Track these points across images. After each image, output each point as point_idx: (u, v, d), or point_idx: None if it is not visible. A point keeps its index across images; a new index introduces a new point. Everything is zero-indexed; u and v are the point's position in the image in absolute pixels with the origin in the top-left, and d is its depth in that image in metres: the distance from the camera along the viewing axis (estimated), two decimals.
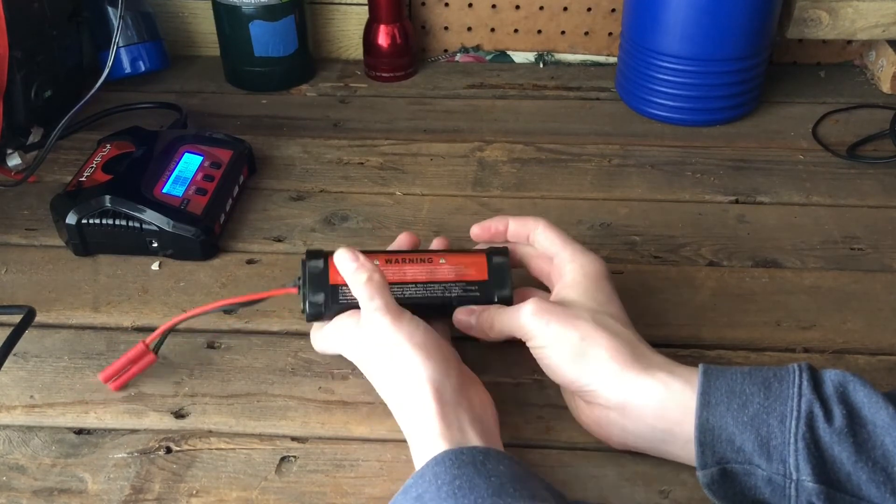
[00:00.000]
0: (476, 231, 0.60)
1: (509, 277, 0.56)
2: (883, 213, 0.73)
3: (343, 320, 0.54)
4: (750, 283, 0.65)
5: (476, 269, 0.57)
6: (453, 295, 0.56)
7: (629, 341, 0.50)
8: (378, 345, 0.51)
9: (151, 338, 0.56)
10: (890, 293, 0.64)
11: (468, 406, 0.49)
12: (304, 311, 0.55)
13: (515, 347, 0.56)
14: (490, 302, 0.56)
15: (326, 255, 0.56)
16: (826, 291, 0.65)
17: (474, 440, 0.47)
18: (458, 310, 0.56)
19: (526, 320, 0.51)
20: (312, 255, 0.56)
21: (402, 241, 0.61)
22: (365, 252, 0.54)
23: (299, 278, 0.56)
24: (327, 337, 0.55)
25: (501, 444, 0.49)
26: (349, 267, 0.53)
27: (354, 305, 0.53)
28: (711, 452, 0.46)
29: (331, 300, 0.55)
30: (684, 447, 0.47)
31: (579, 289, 0.53)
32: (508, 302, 0.55)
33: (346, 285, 0.54)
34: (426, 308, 0.55)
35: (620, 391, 0.48)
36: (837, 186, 0.77)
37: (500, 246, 0.58)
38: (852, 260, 0.68)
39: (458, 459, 0.44)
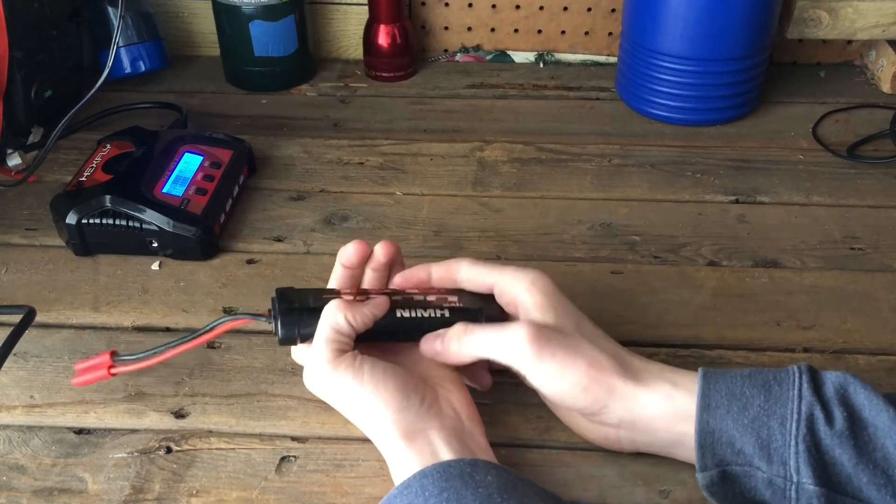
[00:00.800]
0: (398, 281, 0.54)
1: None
2: (883, 213, 0.73)
3: (307, 369, 0.51)
4: (750, 283, 0.65)
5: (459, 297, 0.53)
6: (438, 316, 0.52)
7: (625, 357, 0.49)
8: (329, 390, 0.49)
9: (121, 368, 0.52)
10: (890, 293, 0.64)
11: (439, 425, 0.48)
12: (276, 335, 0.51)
13: None
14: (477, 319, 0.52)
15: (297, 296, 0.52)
16: (826, 291, 0.65)
17: (451, 456, 0.46)
18: (423, 338, 0.52)
19: (521, 349, 0.47)
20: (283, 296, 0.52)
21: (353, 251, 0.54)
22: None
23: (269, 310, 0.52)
24: (308, 382, 0.52)
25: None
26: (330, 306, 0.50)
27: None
28: (711, 455, 0.46)
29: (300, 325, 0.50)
30: (691, 452, 0.47)
31: (548, 310, 0.49)
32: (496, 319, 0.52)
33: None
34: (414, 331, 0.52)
35: (628, 411, 0.48)
36: (837, 186, 0.77)
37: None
38: (852, 260, 0.68)
39: (446, 472, 0.43)
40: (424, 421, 0.48)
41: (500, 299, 0.52)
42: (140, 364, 0.52)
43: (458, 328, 0.50)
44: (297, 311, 0.50)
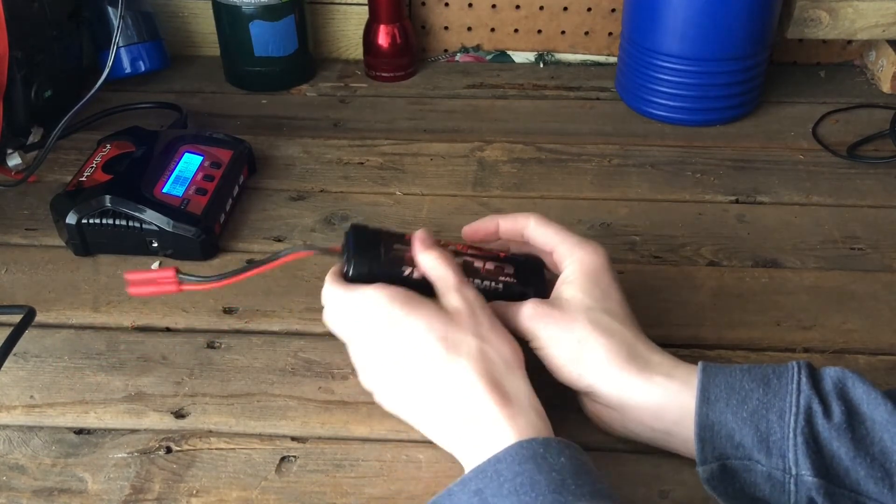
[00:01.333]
0: (467, 232, 0.58)
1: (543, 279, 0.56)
2: (883, 213, 0.73)
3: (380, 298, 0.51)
4: (750, 283, 0.65)
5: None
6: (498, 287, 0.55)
7: (626, 341, 0.50)
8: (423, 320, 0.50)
9: (188, 284, 0.53)
10: (890, 293, 0.64)
11: (523, 375, 0.49)
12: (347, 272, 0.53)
13: None
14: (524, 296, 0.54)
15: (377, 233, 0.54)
16: (826, 291, 0.65)
17: (536, 420, 0.46)
18: None
19: (525, 322, 0.51)
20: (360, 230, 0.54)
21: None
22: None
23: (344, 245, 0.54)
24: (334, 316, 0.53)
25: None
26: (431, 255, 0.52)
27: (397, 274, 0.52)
28: (711, 448, 0.46)
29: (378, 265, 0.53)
30: (684, 444, 0.47)
31: (577, 285, 0.52)
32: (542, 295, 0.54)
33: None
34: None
35: (618, 392, 0.49)
36: (837, 186, 0.77)
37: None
38: (852, 260, 0.68)
39: (519, 455, 0.43)
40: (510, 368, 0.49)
41: (555, 261, 0.55)
42: (206, 285, 0.53)
43: (495, 306, 0.53)
44: (373, 248, 0.52)
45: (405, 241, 0.54)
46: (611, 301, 0.52)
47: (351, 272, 0.52)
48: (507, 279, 0.55)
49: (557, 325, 0.51)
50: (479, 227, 0.58)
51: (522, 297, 0.53)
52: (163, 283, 0.53)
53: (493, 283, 0.54)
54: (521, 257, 0.57)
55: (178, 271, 0.53)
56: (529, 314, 0.51)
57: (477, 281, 0.54)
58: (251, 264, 0.53)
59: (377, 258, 0.52)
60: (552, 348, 0.51)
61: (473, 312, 0.50)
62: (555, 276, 0.55)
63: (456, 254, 0.54)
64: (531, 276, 0.56)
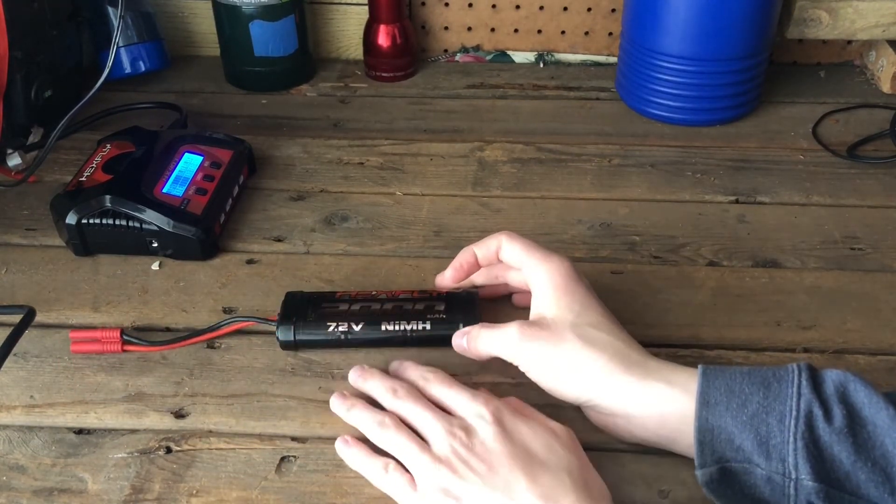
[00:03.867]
0: (448, 277, 0.59)
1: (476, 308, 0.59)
2: (883, 213, 0.73)
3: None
4: (750, 283, 0.65)
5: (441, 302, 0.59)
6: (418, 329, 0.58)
7: (619, 351, 0.50)
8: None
9: (134, 346, 0.59)
10: (890, 293, 0.64)
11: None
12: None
13: None
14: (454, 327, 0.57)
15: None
16: (826, 291, 0.65)
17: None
18: (455, 335, 0.56)
19: (513, 346, 0.52)
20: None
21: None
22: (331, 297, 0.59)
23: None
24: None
25: None
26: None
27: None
28: (711, 451, 0.46)
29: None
30: (690, 448, 0.47)
31: (552, 301, 0.52)
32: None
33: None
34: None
35: (621, 402, 0.49)
36: (837, 186, 0.77)
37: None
38: (852, 260, 0.68)
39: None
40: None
41: (524, 278, 0.55)
42: (151, 348, 0.59)
43: (475, 330, 0.54)
44: (301, 311, 0.59)
45: (336, 298, 0.59)
46: (593, 312, 0.52)
47: (279, 338, 0.58)
48: (436, 316, 0.58)
49: (548, 343, 0.51)
50: (459, 263, 0.58)
51: (451, 329, 0.57)
52: (106, 343, 0.59)
53: (419, 324, 0.57)
54: (457, 292, 0.60)
55: (122, 332, 0.59)
56: (517, 338, 0.51)
57: (404, 324, 0.57)
58: (195, 332, 0.60)
59: (303, 319, 0.58)
60: (545, 369, 0.51)
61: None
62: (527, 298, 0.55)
63: (390, 300, 0.59)
64: (461, 308, 0.58)
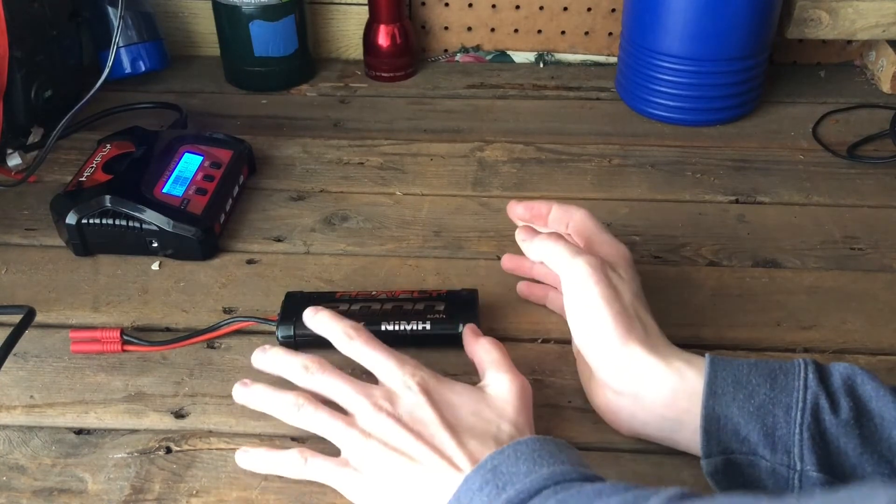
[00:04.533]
0: (519, 211, 0.60)
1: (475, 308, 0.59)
2: (883, 213, 0.73)
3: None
4: (750, 283, 0.65)
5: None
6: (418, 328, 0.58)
7: (652, 333, 0.51)
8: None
9: (135, 346, 0.59)
10: (890, 293, 0.64)
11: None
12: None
13: (515, 348, 0.56)
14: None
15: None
16: (826, 291, 0.65)
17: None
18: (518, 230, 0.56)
19: (581, 270, 0.51)
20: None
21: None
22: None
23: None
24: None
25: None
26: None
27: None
28: (716, 442, 0.46)
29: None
30: (692, 436, 0.47)
31: (627, 270, 0.54)
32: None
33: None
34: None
35: (637, 378, 0.49)
36: (837, 186, 0.77)
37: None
38: (852, 260, 0.68)
39: (538, 441, 0.44)
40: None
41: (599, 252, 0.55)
42: (150, 348, 0.60)
43: (543, 236, 0.54)
44: (300, 310, 0.57)
45: (336, 298, 0.59)
46: (640, 298, 0.54)
47: (279, 336, 0.58)
48: (436, 316, 0.58)
49: (615, 289, 0.51)
50: (533, 206, 0.59)
51: (451, 329, 0.57)
52: (106, 343, 0.59)
53: (419, 324, 0.57)
54: (457, 292, 0.60)
55: (122, 332, 0.59)
56: (590, 267, 0.51)
57: (403, 325, 0.57)
58: (195, 332, 0.60)
59: (301, 318, 0.56)
60: (592, 307, 0.50)
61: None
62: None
63: (390, 300, 0.59)
64: (461, 309, 0.58)
